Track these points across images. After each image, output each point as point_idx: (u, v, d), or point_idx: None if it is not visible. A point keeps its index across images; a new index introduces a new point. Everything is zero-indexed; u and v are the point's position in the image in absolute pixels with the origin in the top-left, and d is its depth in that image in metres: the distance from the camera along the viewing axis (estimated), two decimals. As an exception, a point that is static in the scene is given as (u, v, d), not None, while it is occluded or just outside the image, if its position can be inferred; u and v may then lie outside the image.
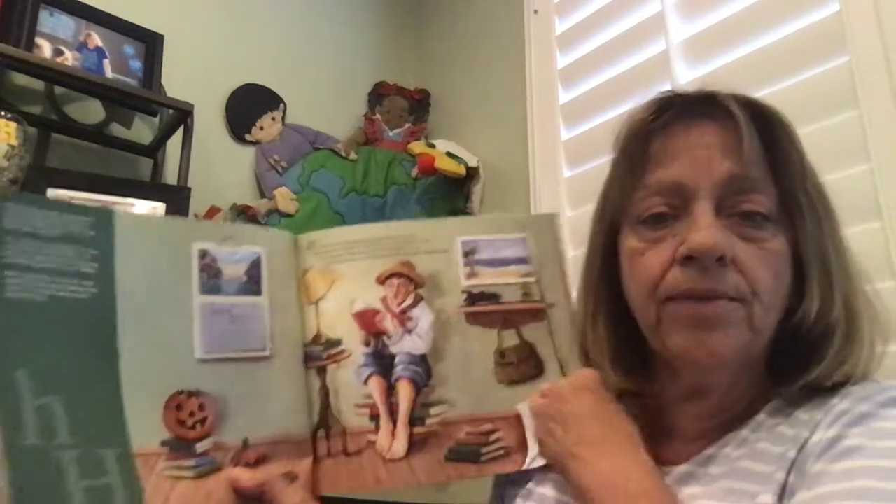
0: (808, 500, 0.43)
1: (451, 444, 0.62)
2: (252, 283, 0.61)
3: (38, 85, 1.39)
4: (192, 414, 0.55)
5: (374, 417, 0.62)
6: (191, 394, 0.56)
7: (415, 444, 0.61)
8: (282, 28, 1.83)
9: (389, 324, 0.64)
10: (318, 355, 0.63)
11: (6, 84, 1.35)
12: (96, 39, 1.41)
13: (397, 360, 0.63)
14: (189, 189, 1.36)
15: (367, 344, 0.63)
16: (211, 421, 0.56)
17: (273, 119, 1.73)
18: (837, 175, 0.84)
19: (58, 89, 1.40)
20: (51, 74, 1.32)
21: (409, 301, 0.65)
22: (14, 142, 1.16)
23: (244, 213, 1.55)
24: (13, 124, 1.17)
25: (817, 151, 0.56)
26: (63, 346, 0.51)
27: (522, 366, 0.65)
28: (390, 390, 0.62)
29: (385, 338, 0.64)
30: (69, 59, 1.35)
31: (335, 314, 0.64)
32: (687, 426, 0.57)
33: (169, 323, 0.56)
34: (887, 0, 0.96)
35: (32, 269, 0.51)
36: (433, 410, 0.62)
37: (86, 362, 0.52)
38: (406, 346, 0.63)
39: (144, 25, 1.48)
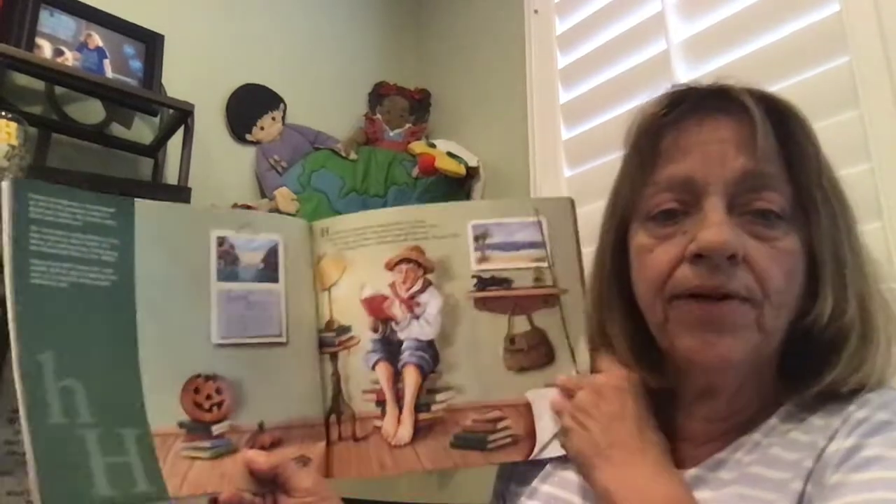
0: None
1: (457, 430, 0.62)
2: (269, 269, 0.63)
3: (39, 85, 1.39)
4: (209, 397, 0.57)
5: (381, 403, 0.62)
6: (208, 377, 0.57)
7: (420, 430, 0.61)
8: (282, 28, 1.83)
9: (397, 309, 0.64)
10: (330, 341, 0.63)
11: (6, 84, 1.35)
12: (96, 39, 1.40)
13: (404, 345, 0.63)
14: (189, 189, 1.36)
15: (375, 330, 0.63)
16: (227, 404, 0.57)
17: (273, 119, 1.73)
18: (838, 175, 0.83)
19: (58, 89, 1.40)
20: (51, 74, 1.32)
21: (417, 286, 0.64)
22: (14, 142, 1.16)
23: (244, 213, 1.55)
24: (13, 124, 1.17)
25: (818, 152, 0.56)
26: (84, 331, 0.53)
27: (533, 353, 0.64)
28: (397, 376, 0.62)
29: (393, 324, 0.64)
30: (69, 59, 1.35)
31: (346, 300, 0.64)
32: (696, 428, 0.56)
33: (187, 309, 0.58)
34: (887, 0, 0.96)
35: (55, 258, 0.53)
36: (439, 397, 0.62)
37: (106, 346, 0.54)
38: (414, 331, 0.63)
39: (144, 25, 1.48)
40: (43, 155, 1.36)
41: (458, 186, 1.68)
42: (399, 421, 0.61)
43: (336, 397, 0.62)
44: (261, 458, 0.56)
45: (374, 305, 0.64)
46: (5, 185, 0.53)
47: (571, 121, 1.46)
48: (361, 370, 0.62)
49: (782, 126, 0.53)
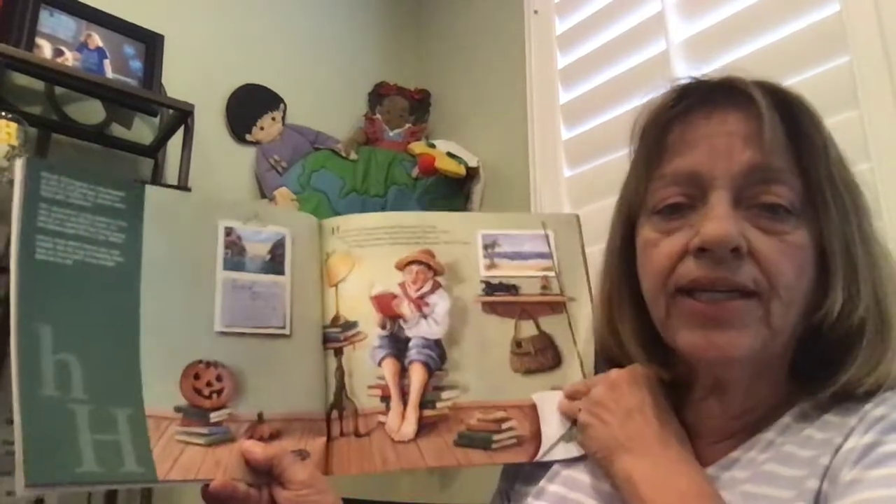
0: None
1: (461, 429, 0.62)
2: (276, 262, 0.63)
3: (39, 85, 1.38)
4: (209, 384, 0.57)
5: (385, 398, 0.62)
6: (209, 364, 0.57)
7: (424, 427, 0.61)
8: (282, 28, 1.83)
9: (406, 308, 0.64)
10: (335, 337, 0.63)
11: (6, 84, 1.34)
12: (97, 39, 1.40)
13: (412, 343, 0.64)
14: (190, 189, 1.36)
15: (383, 327, 0.64)
16: (227, 392, 0.57)
17: (273, 119, 1.73)
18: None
19: (58, 89, 1.40)
20: (51, 75, 1.31)
21: (427, 287, 0.65)
22: (14, 142, 1.16)
23: (244, 214, 1.55)
24: (13, 125, 1.17)
25: (818, 152, 0.55)
26: (86, 308, 0.53)
27: (539, 356, 0.65)
28: (403, 373, 0.63)
29: (401, 321, 0.64)
30: (69, 59, 1.35)
31: (354, 297, 0.64)
32: (710, 426, 0.56)
33: (191, 295, 0.58)
34: (887, 0, 0.96)
35: (62, 235, 0.54)
36: (445, 394, 0.63)
37: (107, 325, 0.54)
38: (421, 330, 0.64)
39: (144, 25, 1.47)
40: (43, 155, 1.35)
41: (457, 187, 1.68)
42: (403, 417, 0.61)
43: (339, 393, 0.62)
44: (257, 449, 0.55)
45: (384, 303, 0.64)
46: (19, 162, 0.54)
47: (571, 121, 1.46)
48: (367, 365, 0.63)
49: (791, 119, 0.52)
